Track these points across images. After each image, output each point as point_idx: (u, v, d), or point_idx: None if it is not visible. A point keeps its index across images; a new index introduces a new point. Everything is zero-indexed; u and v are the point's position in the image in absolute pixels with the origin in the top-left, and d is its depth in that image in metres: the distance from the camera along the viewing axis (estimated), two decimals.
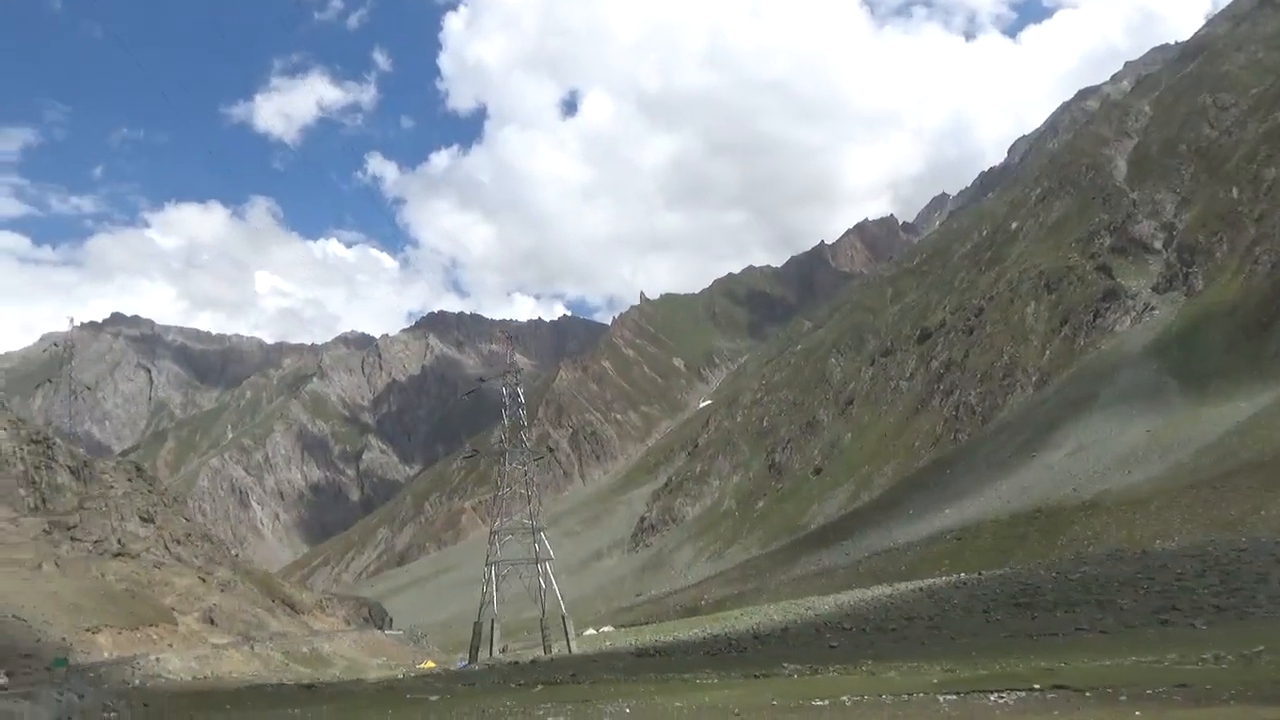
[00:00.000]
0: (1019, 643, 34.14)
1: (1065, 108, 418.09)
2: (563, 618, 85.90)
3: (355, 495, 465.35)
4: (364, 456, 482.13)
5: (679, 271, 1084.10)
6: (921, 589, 62.11)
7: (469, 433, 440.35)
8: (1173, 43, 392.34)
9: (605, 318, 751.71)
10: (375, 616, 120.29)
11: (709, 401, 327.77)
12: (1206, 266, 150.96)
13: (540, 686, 36.54)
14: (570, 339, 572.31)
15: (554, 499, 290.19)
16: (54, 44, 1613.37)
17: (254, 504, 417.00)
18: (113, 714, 25.52)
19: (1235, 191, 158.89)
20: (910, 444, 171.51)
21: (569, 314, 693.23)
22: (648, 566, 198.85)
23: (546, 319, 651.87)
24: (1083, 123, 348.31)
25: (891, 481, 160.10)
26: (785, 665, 33.55)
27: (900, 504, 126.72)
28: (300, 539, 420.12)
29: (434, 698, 34.85)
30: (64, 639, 56.30)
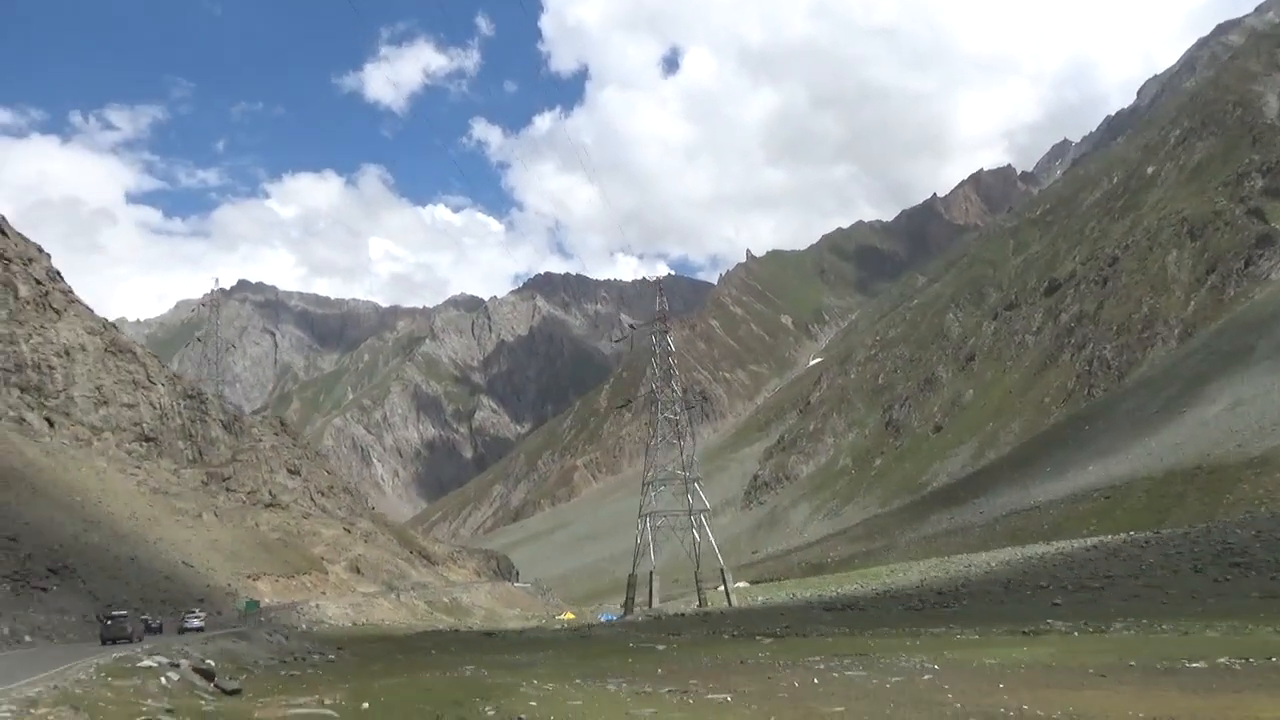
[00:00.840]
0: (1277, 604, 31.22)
1: (1203, 43, 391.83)
2: (721, 570, 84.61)
3: (468, 453, 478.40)
4: (476, 415, 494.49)
5: (783, 229, 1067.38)
6: (1095, 547, 58.92)
7: (577, 392, 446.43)
8: None
9: (709, 277, 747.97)
10: (503, 569, 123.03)
11: (820, 359, 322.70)
12: None
13: (768, 639, 35.08)
14: (675, 299, 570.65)
15: (665, 456, 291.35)
16: (178, 21, 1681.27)
17: (375, 461, 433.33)
18: (318, 655, 25.99)
19: None
20: (1039, 400, 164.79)
21: (673, 273, 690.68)
22: (762, 524, 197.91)
23: (650, 279, 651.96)
24: (1225, 58, 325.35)
25: (1019, 439, 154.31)
26: (1050, 622, 31.38)
27: (1035, 461, 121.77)
28: (418, 494, 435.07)
29: (660, 647, 34.49)
30: (229, 585, 58.95)
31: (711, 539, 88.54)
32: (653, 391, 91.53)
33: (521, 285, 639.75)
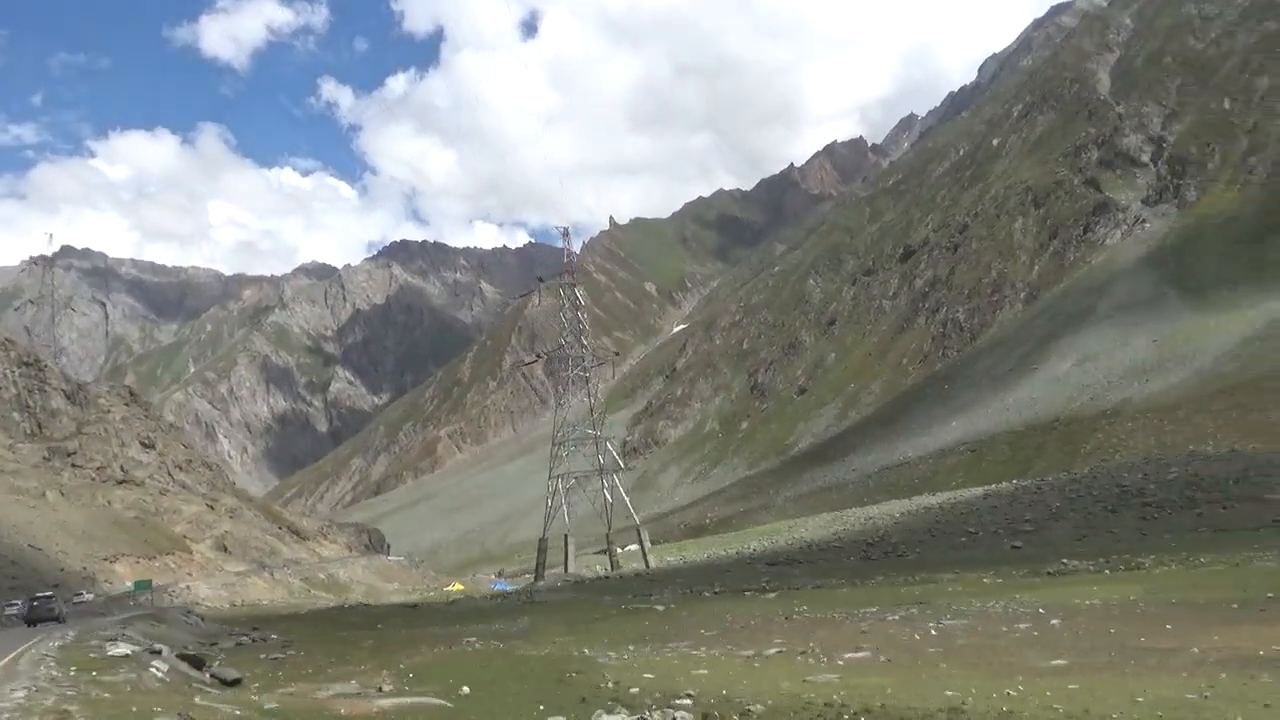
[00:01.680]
0: (1232, 537, 31.47)
1: (1038, 24, 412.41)
2: (638, 530, 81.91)
3: (323, 426, 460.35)
4: (331, 387, 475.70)
5: (646, 197, 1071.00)
6: (988, 495, 60.66)
7: (438, 362, 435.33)
8: None
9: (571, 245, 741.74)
10: (375, 543, 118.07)
11: (684, 325, 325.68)
12: (1199, 178, 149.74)
13: (770, 594, 32.54)
14: (538, 266, 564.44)
15: (531, 425, 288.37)
16: None
17: (221, 437, 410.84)
18: (249, 638, 23.14)
19: (1227, 102, 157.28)
20: (897, 361, 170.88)
21: (534, 241, 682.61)
22: (634, 489, 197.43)
23: (511, 247, 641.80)
24: (1059, 38, 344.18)
25: (880, 399, 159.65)
26: (1066, 561, 30.37)
27: (899, 419, 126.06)
28: (269, 471, 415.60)
29: (660, 608, 32.09)
30: (84, 568, 53.17)
31: (625, 498, 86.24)
32: (561, 347, 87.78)
33: (377, 253, 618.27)
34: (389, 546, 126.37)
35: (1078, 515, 43.65)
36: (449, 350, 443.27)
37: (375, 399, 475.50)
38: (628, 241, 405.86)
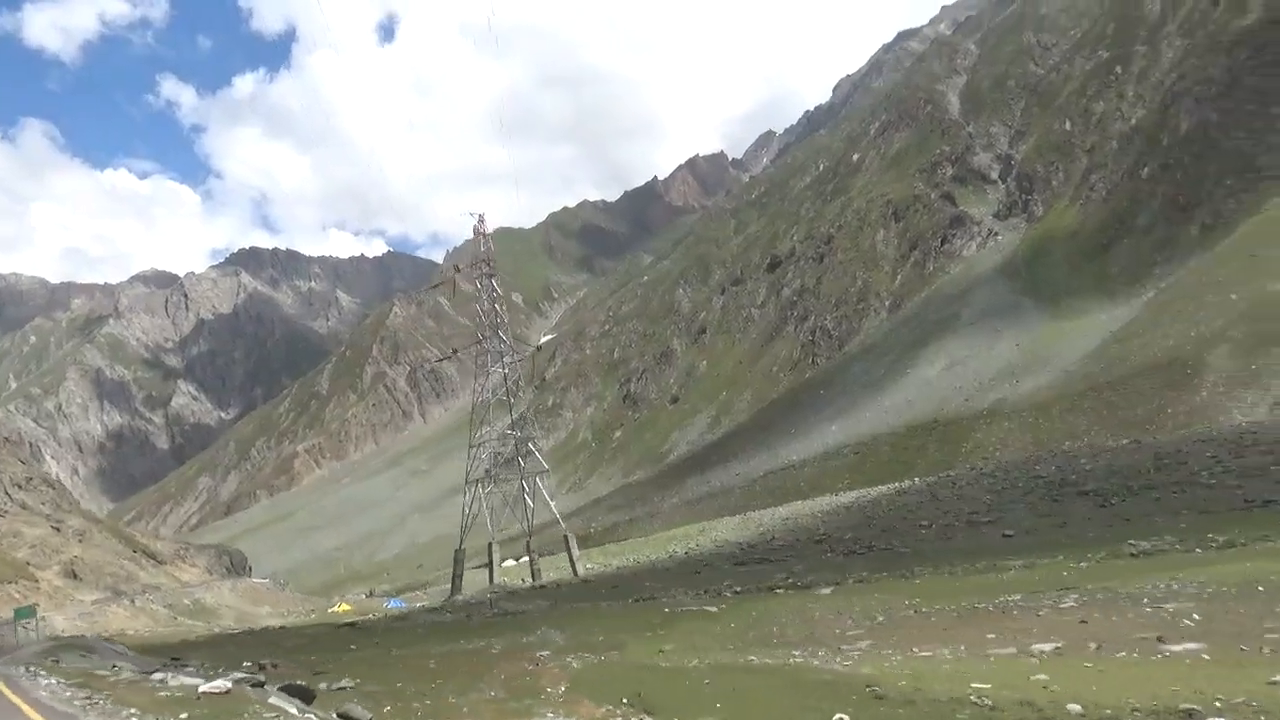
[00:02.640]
0: (1224, 519, 31.22)
1: (887, 48, 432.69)
2: (565, 537, 76.47)
3: (164, 444, 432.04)
4: (173, 402, 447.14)
5: (509, 207, 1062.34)
6: (903, 492, 61.18)
7: (291, 374, 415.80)
8: None
9: (431, 255, 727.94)
10: (237, 565, 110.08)
11: (551, 335, 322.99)
12: (1044, 194, 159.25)
13: (827, 590, 29.16)
14: (397, 276, 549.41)
15: (394, 439, 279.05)
16: None
17: (48, 457, 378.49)
18: (158, 673, 19.29)
19: (1067, 124, 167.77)
20: (768, 369, 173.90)
21: (393, 250, 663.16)
22: (507, 501, 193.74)
23: (369, 255, 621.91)
24: (908, 62, 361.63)
25: (753, 406, 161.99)
26: (1135, 542, 28.31)
27: (778, 424, 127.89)
28: (103, 493, 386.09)
29: (712, 609, 28.65)
30: None
31: (550, 502, 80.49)
32: (479, 343, 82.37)
33: (223, 260, 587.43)
34: (250, 568, 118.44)
35: (1022, 506, 44.25)
36: (304, 362, 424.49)
37: (222, 414, 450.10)
38: (492, 251, 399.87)
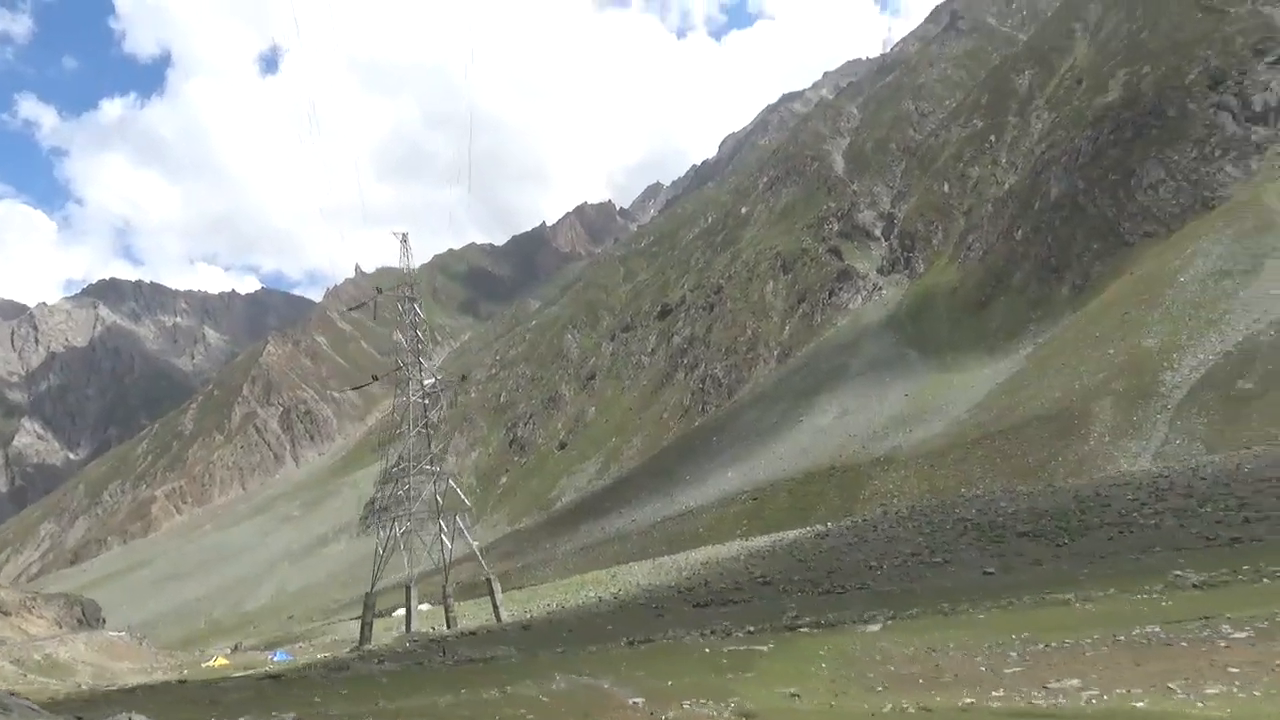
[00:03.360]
0: (1167, 556, 30.71)
1: (771, 109, 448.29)
2: (488, 580, 69.52)
3: (3, 485, 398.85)
4: (15, 440, 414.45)
5: (391, 247, 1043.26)
6: (828, 533, 60.12)
7: (151, 414, 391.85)
8: (864, 58, 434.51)
9: (307, 293, 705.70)
10: (89, 616, 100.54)
11: (435, 378, 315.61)
12: (925, 252, 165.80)
13: (876, 627, 25.56)
14: (271, 314, 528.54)
15: (263, 483, 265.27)
16: None
17: None
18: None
19: (946, 187, 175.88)
20: (658, 416, 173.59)
21: (266, 288, 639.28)
22: (423, 541, 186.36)
23: (241, 291, 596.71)
24: (791, 122, 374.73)
25: (642, 453, 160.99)
26: (1180, 573, 26.81)
27: (672, 471, 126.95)
28: None
29: (763, 648, 24.51)
30: None
31: (473, 543, 73.23)
32: (399, 369, 76.42)
33: (80, 291, 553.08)
34: (103, 620, 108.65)
35: (966, 546, 43.73)
36: (165, 401, 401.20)
37: (71, 454, 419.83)
38: (373, 291, 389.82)
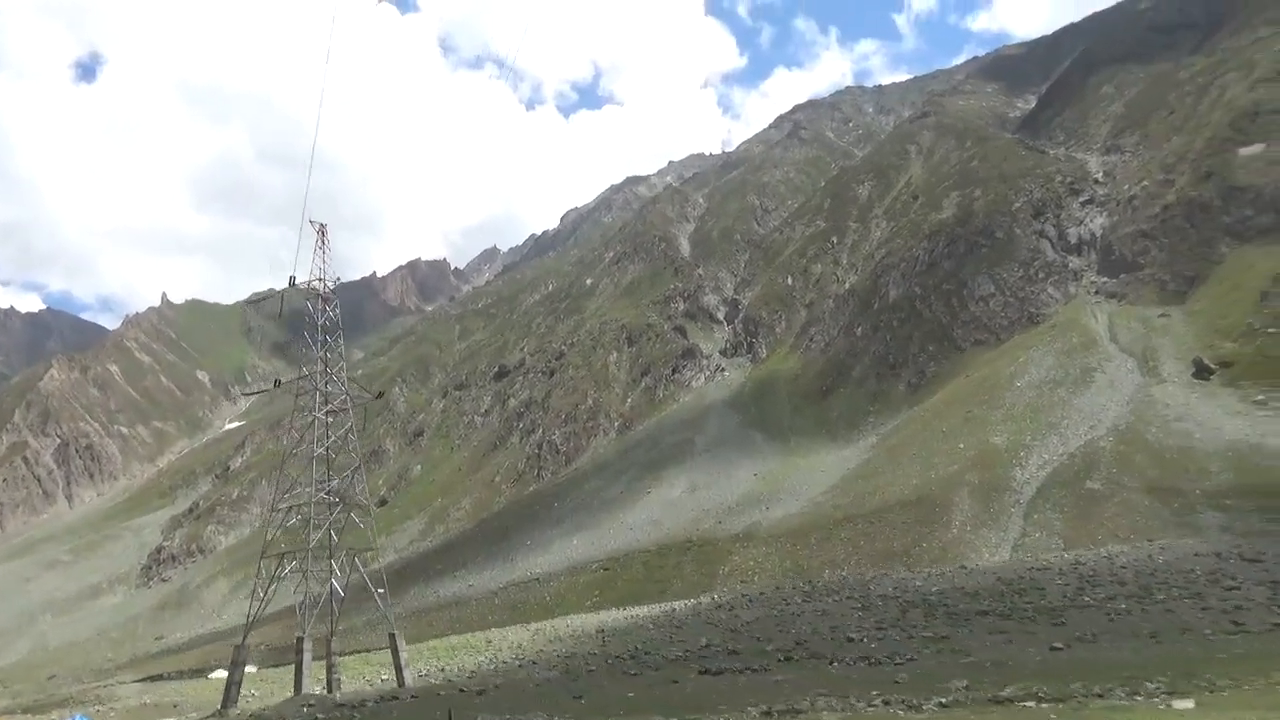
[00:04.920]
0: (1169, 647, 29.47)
1: (616, 189, 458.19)
2: (391, 635, 56.09)
3: None
4: None
5: (202, 279, 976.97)
6: (716, 604, 57.04)
7: None
8: (707, 153, 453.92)
9: (99, 320, 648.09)
10: None
11: (240, 422, 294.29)
12: (768, 339, 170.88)
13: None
14: (54, 337, 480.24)
15: (27, 522, 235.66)
16: None
17: None
18: None
19: (789, 279, 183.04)
20: (490, 479, 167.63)
21: (51, 309, 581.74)
22: (168, 604, 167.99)
23: (21, 310, 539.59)
24: (635, 204, 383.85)
25: (470, 516, 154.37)
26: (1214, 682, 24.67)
27: (511, 536, 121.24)
28: None
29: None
30: None
31: (379, 590, 59.69)
32: (308, 377, 65.08)
33: None
34: None
35: (906, 626, 41.89)
36: None
37: None
38: (182, 324, 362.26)
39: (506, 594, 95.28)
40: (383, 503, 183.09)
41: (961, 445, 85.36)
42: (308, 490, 61.83)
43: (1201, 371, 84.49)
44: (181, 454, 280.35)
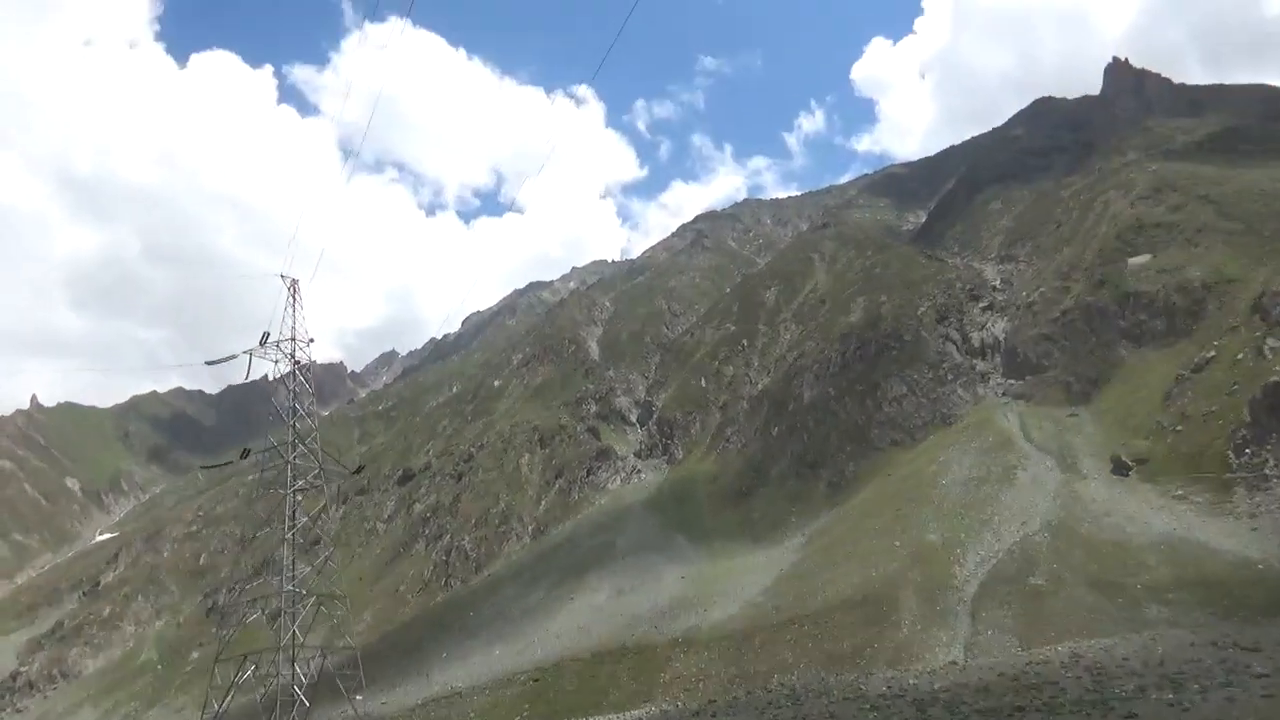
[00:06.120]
0: None
1: (520, 293, 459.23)
2: None
3: None
4: None
5: (71, 381, 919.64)
6: (696, 710, 53.04)
7: None
8: (609, 260, 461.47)
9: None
10: None
11: (113, 534, 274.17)
12: (684, 440, 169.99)
13: None
14: None
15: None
16: None
17: None
18: None
19: (703, 381, 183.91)
20: (394, 588, 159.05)
21: None
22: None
23: None
24: (539, 308, 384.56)
25: (375, 628, 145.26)
26: None
27: (423, 648, 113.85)
28: None
29: None
30: None
31: (356, 697, 51.77)
32: (274, 448, 58.55)
33: None
34: None
35: None
36: None
37: None
38: (52, 427, 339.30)
39: (426, 711, 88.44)
40: (275, 616, 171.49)
41: (897, 543, 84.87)
42: (272, 580, 55.67)
43: (1120, 468, 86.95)
44: (44, 569, 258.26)
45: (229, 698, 53.09)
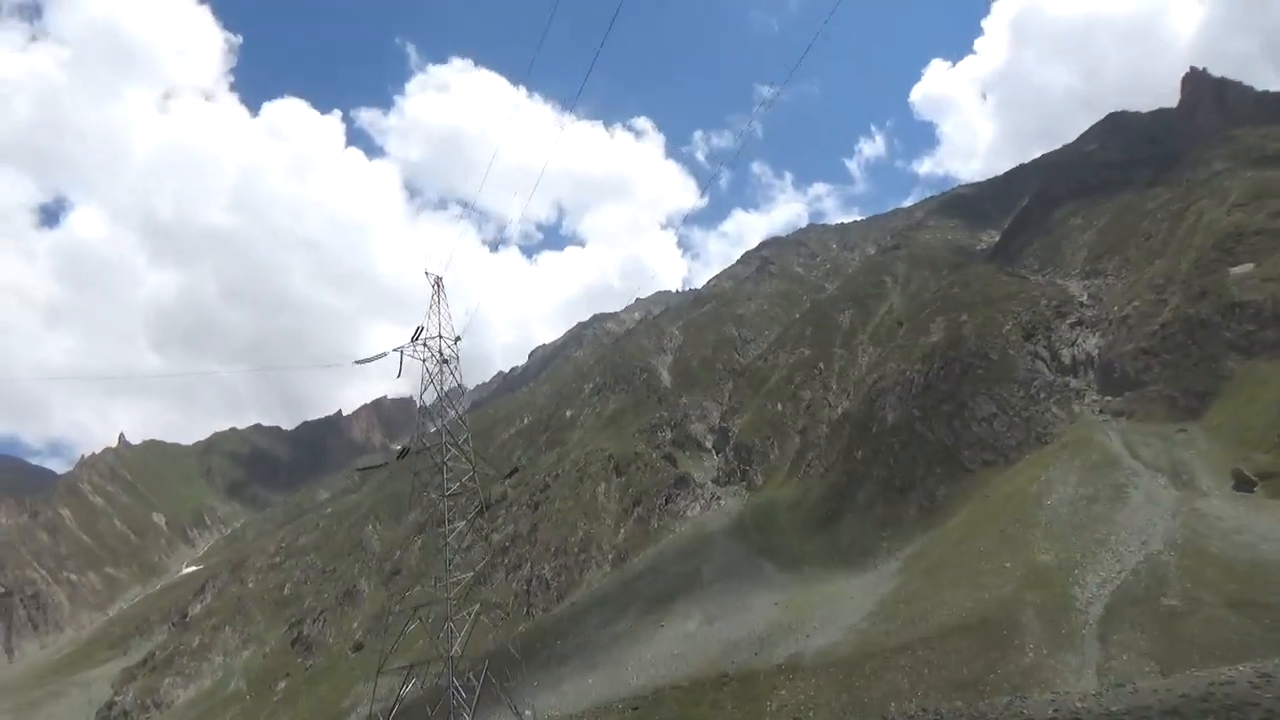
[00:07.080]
0: None
1: (584, 326, 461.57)
2: None
3: None
4: None
5: (158, 420, 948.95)
6: None
7: None
8: (673, 290, 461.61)
9: (49, 465, 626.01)
10: None
11: (198, 566, 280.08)
12: (763, 466, 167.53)
13: None
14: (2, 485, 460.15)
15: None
16: None
17: None
18: None
19: (779, 406, 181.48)
20: (475, 617, 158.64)
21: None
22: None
23: None
24: (605, 339, 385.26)
25: (460, 657, 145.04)
26: None
27: (515, 679, 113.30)
28: None
29: None
30: None
31: (524, 711, 50.27)
32: (427, 449, 58.21)
33: None
34: None
35: None
36: None
37: None
38: (139, 464, 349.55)
39: None
40: (358, 647, 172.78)
41: (1008, 564, 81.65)
42: (427, 589, 54.83)
43: (1243, 484, 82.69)
44: (134, 601, 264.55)
45: (395, 708, 52.25)
